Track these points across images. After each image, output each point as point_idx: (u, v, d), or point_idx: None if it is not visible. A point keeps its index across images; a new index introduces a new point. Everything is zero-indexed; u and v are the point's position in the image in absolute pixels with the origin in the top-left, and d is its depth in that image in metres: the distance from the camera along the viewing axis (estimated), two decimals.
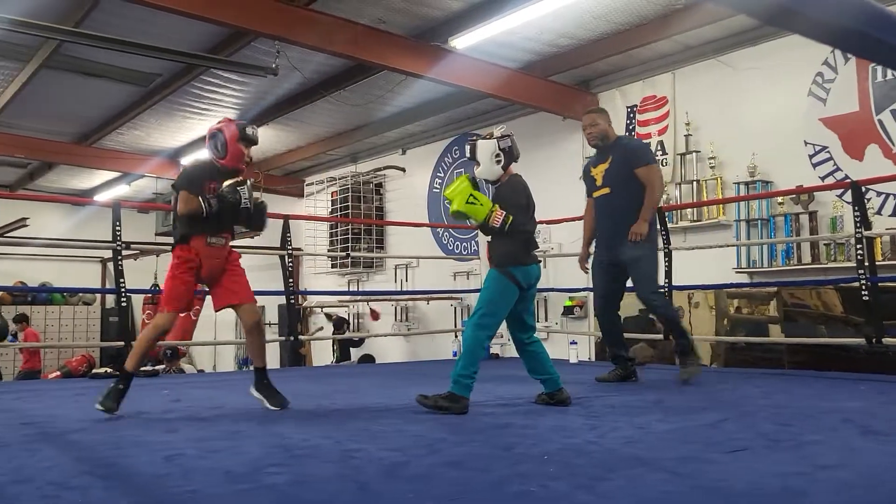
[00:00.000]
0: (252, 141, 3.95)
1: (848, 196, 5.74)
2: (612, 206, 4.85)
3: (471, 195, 3.79)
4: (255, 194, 3.94)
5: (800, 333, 6.09)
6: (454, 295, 9.33)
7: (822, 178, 6.27)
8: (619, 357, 5.04)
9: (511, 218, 3.72)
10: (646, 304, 4.96)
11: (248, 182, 3.90)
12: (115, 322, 13.54)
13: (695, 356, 4.86)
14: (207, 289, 3.96)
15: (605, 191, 4.89)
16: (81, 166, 11.64)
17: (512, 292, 3.73)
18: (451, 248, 9.84)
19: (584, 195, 5.23)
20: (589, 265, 5.22)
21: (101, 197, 13.50)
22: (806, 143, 6.42)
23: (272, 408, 3.76)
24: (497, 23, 6.42)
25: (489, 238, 3.96)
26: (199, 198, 3.70)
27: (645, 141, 7.66)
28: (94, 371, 6.02)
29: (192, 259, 3.76)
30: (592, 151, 7.86)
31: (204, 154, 4.07)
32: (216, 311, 3.98)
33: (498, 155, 3.87)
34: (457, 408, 3.52)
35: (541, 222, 7.83)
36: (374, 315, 11.15)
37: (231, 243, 3.98)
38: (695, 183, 7.11)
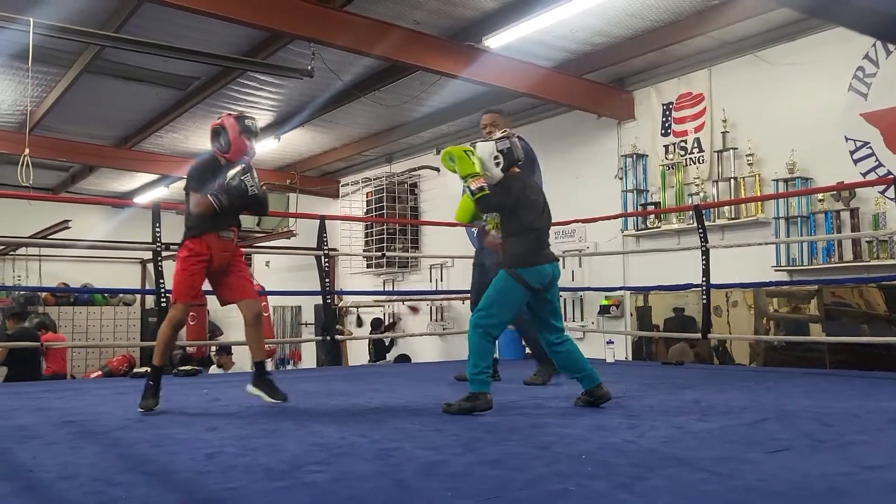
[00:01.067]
0: (252, 132, 3.97)
1: (891, 192, 5.64)
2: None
3: (468, 152, 3.78)
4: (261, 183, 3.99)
5: (841, 332, 5.99)
6: None
7: (864, 175, 6.15)
8: (541, 355, 4.98)
9: (486, 192, 3.68)
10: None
11: (252, 170, 3.91)
12: (154, 322, 13.75)
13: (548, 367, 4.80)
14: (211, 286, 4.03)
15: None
16: (121, 169, 11.84)
17: (519, 294, 3.66)
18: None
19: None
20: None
21: (140, 199, 13.71)
22: (847, 139, 6.30)
23: (272, 401, 3.81)
24: (531, 22, 6.40)
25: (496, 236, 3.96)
26: (210, 196, 3.77)
27: (681, 138, 7.62)
28: (134, 370, 6.12)
29: (203, 253, 3.83)
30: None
31: (206, 150, 4.13)
32: (222, 305, 4.07)
33: (497, 157, 3.75)
34: (480, 404, 3.50)
35: (575, 221, 7.92)
36: (414, 310, 11.17)
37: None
38: (732, 180, 7.02)
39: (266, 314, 11.60)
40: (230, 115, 3.99)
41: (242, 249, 4.15)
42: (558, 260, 3.89)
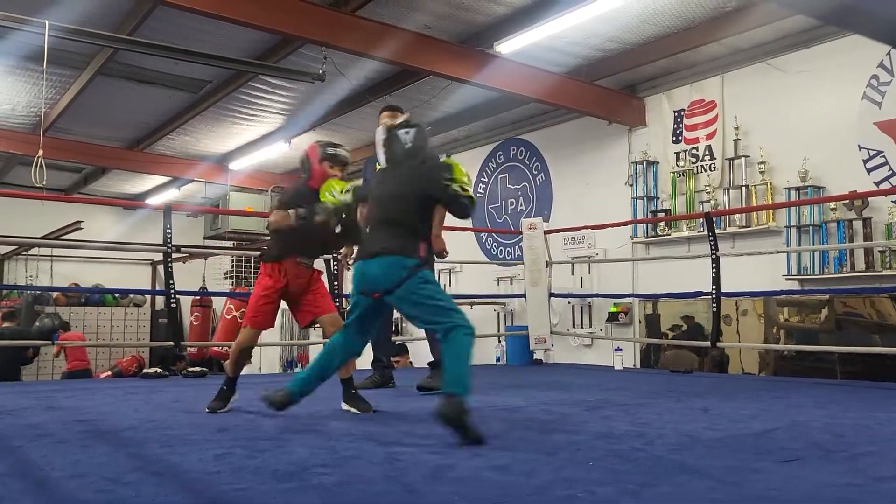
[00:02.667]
0: (335, 159, 3.95)
1: None
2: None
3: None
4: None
5: (853, 342, 5.95)
6: (497, 300, 9.31)
7: (877, 184, 6.12)
8: (378, 362, 5.08)
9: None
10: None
11: (330, 203, 3.76)
12: (164, 323, 13.81)
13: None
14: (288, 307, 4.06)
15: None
16: (133, 171, 11.90)
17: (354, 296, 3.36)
18: (494, 253, 9.83)
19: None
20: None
21: (151, 201, 13.78)
22: (860, 148, 6.27)
23: (359, 413, 3.78)
24: (542, 27, 6.40)
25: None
26: (292, 211, 3.78)
27: (692, 146, 7.60)
28: (144, 371, 6.15)
29: (280, 279, 3.84)
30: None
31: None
32: (302, 328, 4.10)
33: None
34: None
35: (585, 227, 7.92)
36: None
37: None
38: (744, 188, 7.00)
39: (231, 315, 11.64)
40: (316, 143, 4.05)
41: (320, 271, 4.15)
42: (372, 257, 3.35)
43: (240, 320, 11.70)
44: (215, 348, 11.27)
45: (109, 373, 11.23)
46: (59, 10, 5.93)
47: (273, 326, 3.96)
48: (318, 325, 4.10)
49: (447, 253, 5.02)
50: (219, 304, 13.14)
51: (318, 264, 4.54)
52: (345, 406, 3.87)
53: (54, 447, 2.76)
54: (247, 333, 3.88)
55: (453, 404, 2.83)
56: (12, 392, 5.05)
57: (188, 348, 9.65)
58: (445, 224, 4.79)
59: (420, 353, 7.54)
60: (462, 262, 9.75)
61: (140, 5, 6.23)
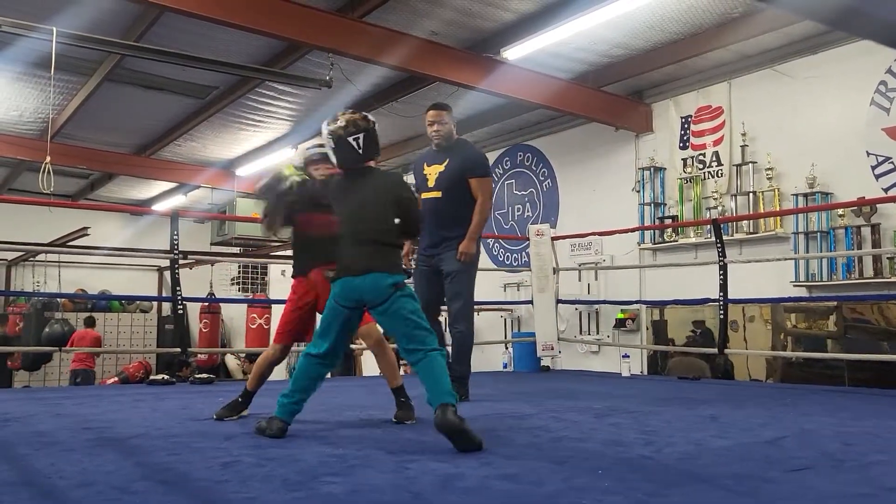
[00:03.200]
0: (310, 159, 3.88)
1: None
2: (442, 211, 4.66)
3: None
4: None
5: (861, 349, 5.92)
6: (504, 306, 9.30)
7: (886, 190, 6.09)
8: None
9: None
10: (450, 322, 4.79)
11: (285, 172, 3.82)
12: (171, 329, 13.85)
13: (465, 391, 4.61)
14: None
15: (436, 194, 4.68)
16: (140, 177, 11.95)
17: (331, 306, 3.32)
18: (501, 259, 9.82)
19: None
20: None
21: (158, 207, 13.82)
22: (868, 154, 6.25)
23: (410, 423, 3.70)
24: (549, 34, 6.41)
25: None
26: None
27: (699, 152, 7.58)
28: (150, 377, 6.15)
29: (308, 293, 3.79)
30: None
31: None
32: None
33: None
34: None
35: (592, 234, 7.91)
36: None
37: None
38: (751, 194, 6.98)
39: (257, 324, 11.62)
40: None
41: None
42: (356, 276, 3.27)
43: (266, 327, 11.73)
44: (232, 361, 11.26)
45: (116, 379, 11.26)
46: (67, 16, 5.97)
47: (304, 340, 3.81)
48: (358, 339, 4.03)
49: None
50: (226, 311, 13.16)
51: None
52: (398, 418, 3.75)
53: (62, 455, 2.75)
54: (274, 349, 3.83)
55: (452, 414, 2.84)
56: (19, 399, 5.06)
57: (197, 355, 9.63)
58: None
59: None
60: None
61: (147, 12, 6.26)
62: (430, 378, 3.04)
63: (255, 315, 11.54)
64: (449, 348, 4.94)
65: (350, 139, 3.29)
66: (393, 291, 3.17)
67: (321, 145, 3.68)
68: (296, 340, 3.89)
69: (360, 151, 3.30)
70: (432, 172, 4.73)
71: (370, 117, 3.37)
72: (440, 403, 2.90)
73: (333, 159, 3.36)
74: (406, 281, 3.28)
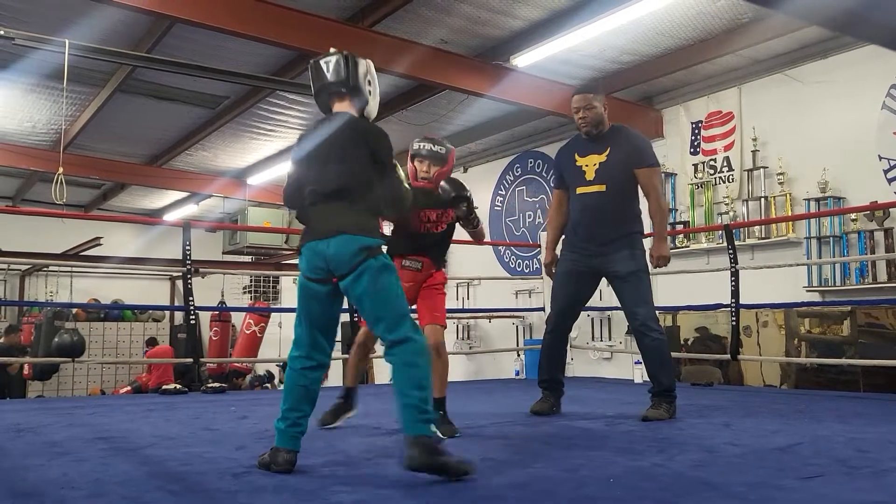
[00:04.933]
0: (419, 155, 3.67)
1: None
2: (607, 207, 4.19)
3: None
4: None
5: (876, 354, 5.87)
6: (516, 313, 9.29)
7: None
8: (555, 382, 4.43)
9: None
10: (641, 331, 4.21)
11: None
12: (183, 338, 13.89)
13: (672, 407, 4.12)
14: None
15: (600, 188, 4.18)
16: (152, 187, 12.00)
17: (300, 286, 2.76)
18: (513, 266, 9.81)
19: (552, 186, 4.60)
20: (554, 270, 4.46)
21: (169, 216, 13.88)
22: (881, 158, 6.21)
23: (442, 437, 3.58)
24: (559, 41, 6.40)
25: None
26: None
27: (710, 157, 7.55)
28: (163, 387, 6.17)
29: None
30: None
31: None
32: None
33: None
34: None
35: None
36: None
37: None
38: (763, 199, 6.95)
39: (251, 330, 11.61)
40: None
41: (440, 276, 3.81)
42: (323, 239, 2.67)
43: (259, 335, 11.76)
44: (235, 363, 11.33)
45: (129, 388, 11.30)
46: (79, 28, 6.01)
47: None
48: None
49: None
50: (237, 318, 13.20)
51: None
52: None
53: (74, 465, 2.76)
54: (362, 330, 3.78)
55: (422, 449, 2.42)
56: (32, 409, 5.09)
57: (207, 364, 9.66)
58: (467, 238, 4.22)
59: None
60: (479, 278, 9.74)
61: (158, 23, 6.30)
62: (405, 388, 2.53)
63: (251, 321, 11.57)
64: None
65: (321, 62, 2.96)
66: (364, 258, 2.61)
67: (435, 143, 3.63)
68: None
69: (329, 79, 2.92)
70: (590, 164, 4.24)
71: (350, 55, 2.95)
72: (412, 435, 2.46)
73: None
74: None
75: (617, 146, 4.23)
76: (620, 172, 4.19)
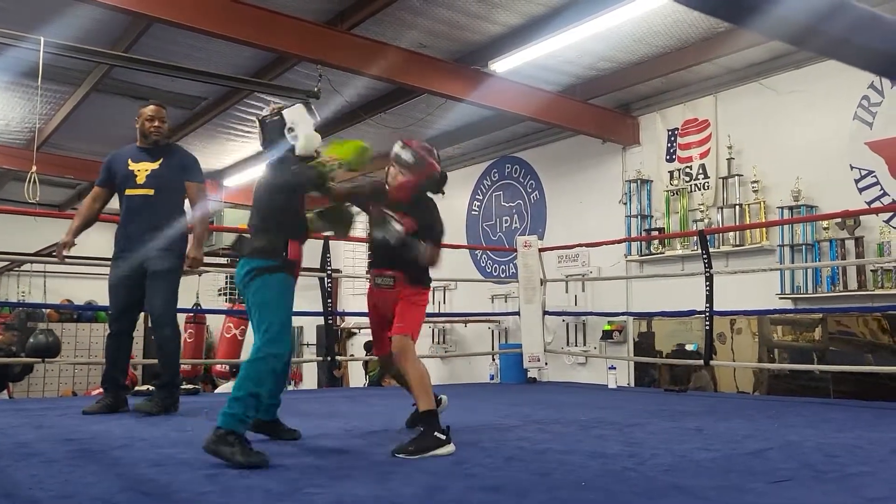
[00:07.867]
0: (392, 158, 3.54)
1: (895, 221, 5.63)
2: (155, 211, 4.55)
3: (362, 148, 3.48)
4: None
5: (846, 361, 5.96)
6: (491, 318, 9.31)
7: (869, 203, 6.15)
8: (114, 382, 4.66)
9: None
10: (157, 326, 4.57)
11: (390, 212, 3.41)
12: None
13: (172, 398, 4.50)
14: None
15: (148, 191, 4.55)
16: None
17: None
18: (489, 270, 9.83)
19: (99, 183, 5.02)
20: (68, 252, 4.91)
21: None
22: (852, 167, 6.31)
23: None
24: (537, 46, 6.45)
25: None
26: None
27: (686, 164, 7.62)
28: (136, 388, 6.11)
29: (370, 299, 3.68)
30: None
31: None
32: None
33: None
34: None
35: (579, 245, 7.93)
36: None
37: None
38: (737, 207, 7.02)
39: (231, 334, 11.55)
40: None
41: (415, 294, 3.54)
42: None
43: (240, 338, 11.66)
44: (217, 367, 11.23)
45: (101, 390, 11.13)
46: (55, 26, 5.95)
47: (382, 351, 3.68)
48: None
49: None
50: (212, 321, 13.09)
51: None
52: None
53: (43, 467, 2.73)
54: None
55: (216, 438, 2.76)
56: (1, 410, 5.02)
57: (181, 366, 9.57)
58: (445, 242, 4.18)
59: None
60: (455, 280, 9.75)
61: (136, 22, 6.26)
62: (233, 389, 2.92)
63: (230, 325, 11.50)
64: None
65: (266, 121, 3.35)
66: (249, 279, 3.07)
67: (415, 153, 3.48)
68: (377, 351, 3.81)
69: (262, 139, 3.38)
70: (142, 169, 4.67)
71: (277, 109, 3.35)
72: (217, 423, 2.79)
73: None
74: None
75: (172, 158, 4.65)
76: (171, 181, 4.60)
